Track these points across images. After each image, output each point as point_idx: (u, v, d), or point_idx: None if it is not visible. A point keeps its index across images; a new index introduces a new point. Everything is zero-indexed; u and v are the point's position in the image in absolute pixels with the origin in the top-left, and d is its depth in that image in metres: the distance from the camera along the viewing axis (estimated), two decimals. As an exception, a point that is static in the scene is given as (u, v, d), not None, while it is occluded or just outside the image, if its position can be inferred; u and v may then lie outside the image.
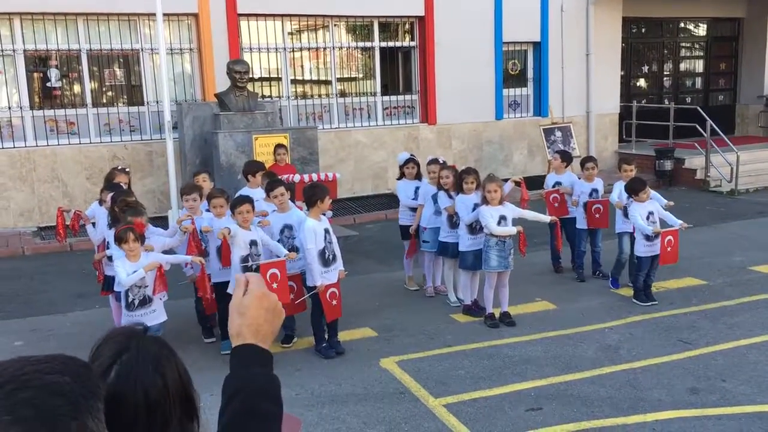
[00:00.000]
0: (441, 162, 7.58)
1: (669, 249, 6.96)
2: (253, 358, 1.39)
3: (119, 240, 5.25)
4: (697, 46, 18.19)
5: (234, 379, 1.38)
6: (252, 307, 1.42)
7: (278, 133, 10.33)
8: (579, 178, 8.13)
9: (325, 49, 13.02)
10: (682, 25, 17.79)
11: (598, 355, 5.92)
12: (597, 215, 7.91)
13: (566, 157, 8.45)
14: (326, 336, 6.15)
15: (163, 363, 1.35)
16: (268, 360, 1.41)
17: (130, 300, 5.31)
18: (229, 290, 5.85)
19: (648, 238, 7.00)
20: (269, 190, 6.26)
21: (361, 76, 13.54)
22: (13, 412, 0.88)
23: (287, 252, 5.89)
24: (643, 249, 7.10)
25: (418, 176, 7.72)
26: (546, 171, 12.82)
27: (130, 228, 5.23)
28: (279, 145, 9.07)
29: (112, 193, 6.15)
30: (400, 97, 13.69)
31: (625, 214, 7.42)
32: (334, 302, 6.01)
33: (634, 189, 7.11)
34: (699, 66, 18.23)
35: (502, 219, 6.63)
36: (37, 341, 6.56)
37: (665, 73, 17.74)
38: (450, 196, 7.11)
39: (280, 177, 6.97)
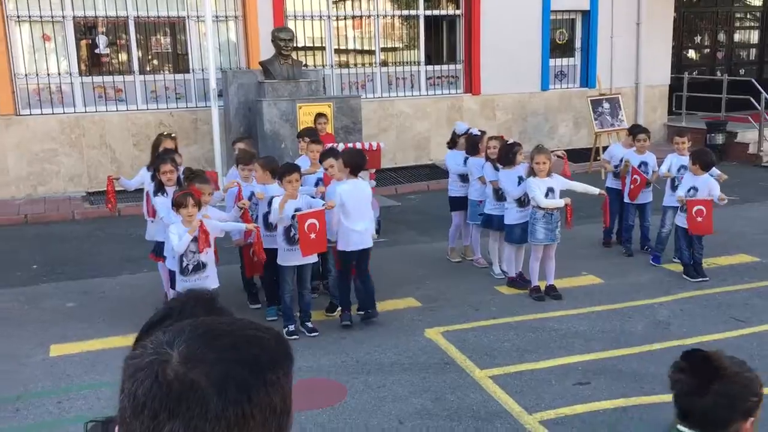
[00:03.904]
0: (476, 133, 7.46)
1: (699, 219, 6.78)
2: None
3: (178, 205, 5.27)
4: (751, 16, 17.53)
5: None
6: None
7: (322, 101, 10.28)
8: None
9: (369, 17, 12.87)
10: (737, -6, 17.15)
11: (647, 331, 5.82)
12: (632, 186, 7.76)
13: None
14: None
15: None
16: None
17: (184, 265, 5.37)
18: (279, 261, 5.89)
19: (682, 208, 6.94)
20: (322, 160, 6.29)
21: (404, 45, 13.38)
22: (219, 352, 0.98)
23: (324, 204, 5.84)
24: (680, 220, 7.07)
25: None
26: (593, 144, 12.61)
27: (189, 193, 5.26)
28: (320, 114, 9.01)
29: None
30: (444, 67, 13.50)
31: (673, 188, 7.29)
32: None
33: (708, 163, 6.94)
34: (754, 37, 17.57)
35: (549, 191, 6.52)
36: (89, 303, 6.71)
37: (718, 43, 17.16)
38: (496, 168, 7.00)
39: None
